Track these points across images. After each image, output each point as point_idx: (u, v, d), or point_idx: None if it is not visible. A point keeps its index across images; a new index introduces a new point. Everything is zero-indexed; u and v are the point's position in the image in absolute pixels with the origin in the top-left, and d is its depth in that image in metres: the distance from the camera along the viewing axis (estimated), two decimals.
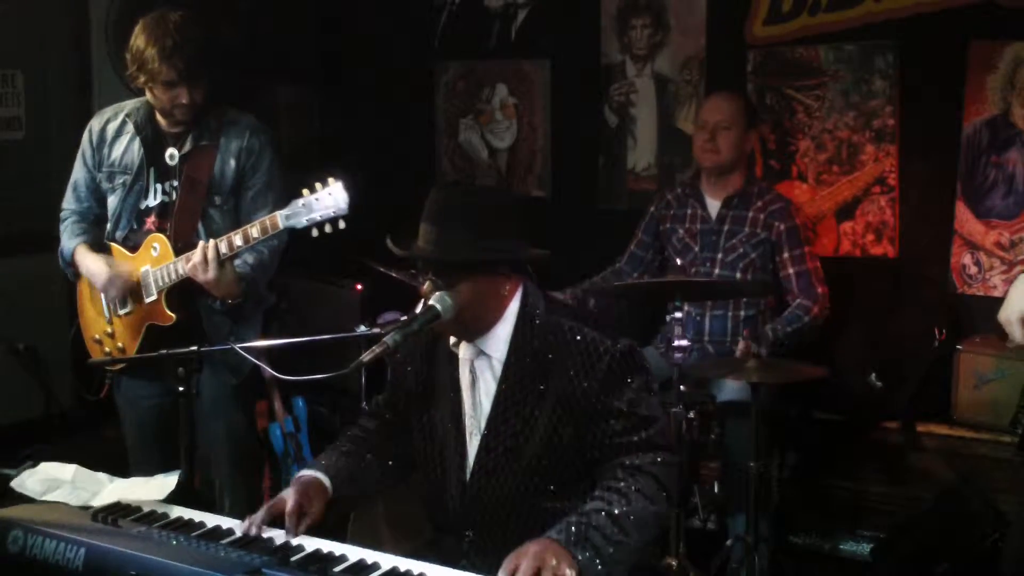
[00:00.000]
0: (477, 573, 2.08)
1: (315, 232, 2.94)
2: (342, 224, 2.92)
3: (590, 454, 2.29)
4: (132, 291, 3.23)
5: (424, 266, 2.34)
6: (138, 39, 3.12)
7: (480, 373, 2.38)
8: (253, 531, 2.21)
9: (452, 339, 2.41)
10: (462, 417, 2.39)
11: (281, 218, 2.96)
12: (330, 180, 2.91)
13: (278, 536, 2.21)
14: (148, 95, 3.21)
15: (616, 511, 2.15)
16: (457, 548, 2.38)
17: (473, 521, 2.36)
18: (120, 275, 3.21)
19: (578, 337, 2.30)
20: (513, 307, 2.36)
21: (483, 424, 2.36)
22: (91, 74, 4.77)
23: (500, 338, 2.35)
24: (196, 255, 3.03)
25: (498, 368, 2.35)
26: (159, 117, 3.27)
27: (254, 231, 3.01)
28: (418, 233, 2.35)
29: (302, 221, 2.93)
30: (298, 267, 4.26)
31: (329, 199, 2.90)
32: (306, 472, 2.41)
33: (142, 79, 3.14)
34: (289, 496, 2.28)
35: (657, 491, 2.22)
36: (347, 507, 2.49)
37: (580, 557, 2.06)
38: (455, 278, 2.28)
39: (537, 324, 2.34)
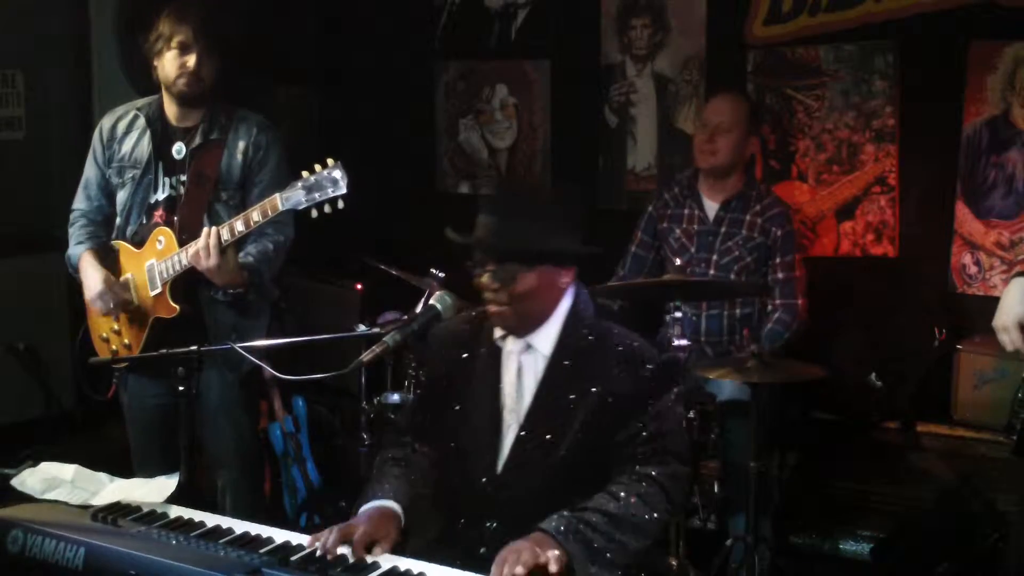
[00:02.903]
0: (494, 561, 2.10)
1: (315, 213, 2.97)
2: (341, 204, 2.94)
3: (613, 453, 2.34)
4: (122, 304, 3.24)
5: (484, 257, 2.37)
6: (163, 21, 3.23)
7: (526, 367, 2.42)
8: (319, 552, 2.13)
9: (498, 332, 2.45)
10: (501, 409, 2.42)
11: (281, 200, 2.98)
12: (329, 161, 2.96)
13: (278, 536, 2.21)
14: (159, 69, 3.26)
15: (612, 511, 2.19)
16: (478, 536, 2.39)
17: (498, 511, 2.39)
18: (111, 292, 3.21)
19: (625, 342, 2.39)
20: (564, 305, 2.43)
21: (522, 417, 2.39)
22: (91, 74, 4.77)
23: (549, 335, 2.41)
24: (198, 242, 3.05)
25: (542, 364, 2.40)
26: (168, 111, 3.32)
27: (255, 214, 3.04)
28: (476, 224, 2.40)
29: (302, 202, 2.96)
30: (298, 267, 4.26)
31: (329, 180, 2.93)
32: (374, 503, 2.34)
33: (158, 46, 3.22)
34: (359, 524, 2.23)
35: (659, 499, 2.27)
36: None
37: (569, 549, 2.10)
38: (516, 269, 2.33)
39: (586, 324, 2.42)
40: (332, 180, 2.93)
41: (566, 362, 2.38)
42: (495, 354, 2.46)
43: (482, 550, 2.35)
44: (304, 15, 5.54)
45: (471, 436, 2.44)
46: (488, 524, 2.39)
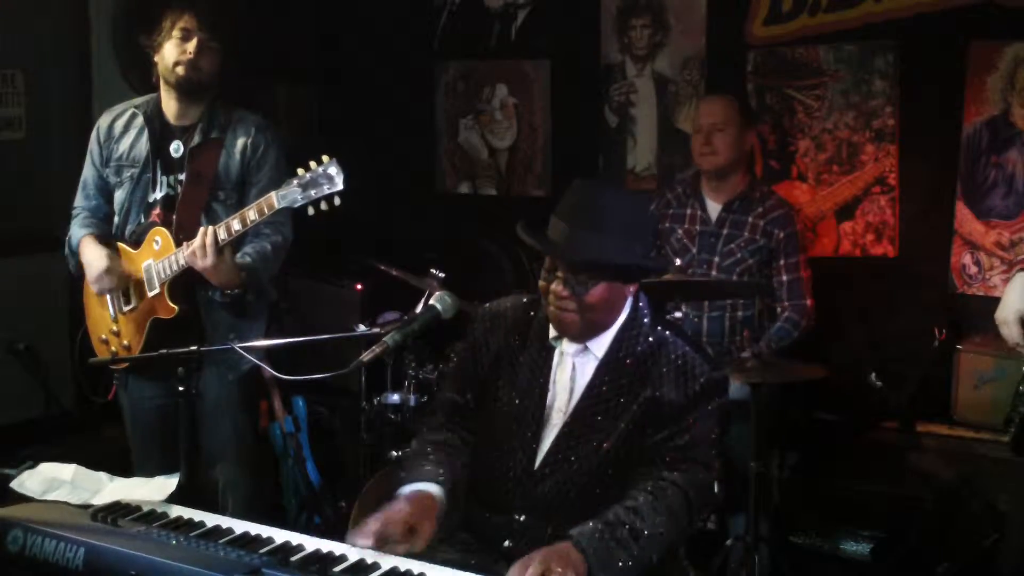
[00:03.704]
0: (519, 554, 2.10)
1: (311, 211, 2.95)
2: (338, 201, 2.93)
3: (644, 455, 2.34)
4: (127, 286, 3.23)
5: (560, 264, 2.33)
6: (167, 16, 3.25)
7: (579, 368, 2.42)
8: (360, 543, 2.12)
9: (554, 332, 2.44)
10: (547, 406, 2.42)
11: (277, 198, 2.97)
12: (324, 158, 2.94)
13: (278, 535, 2.20)
14: (160, 63, 3.26)
15: (639, 527, 2.19)
16: (505, 528, 2.39)
17: (529, 505, 2.38)
18: (114, 269, 3.21)
19: (680, 351, 2.38)
20: (625, 312, 2.42)
21: (568, 415, 2.39)
22: (91, 74, 4.78)
23: (607, 338, 2.41)
24: (195, 241, 3.04)
25: (593, 364, 2.40)
26: (166, 109, 3.31)
27: (251, 213, 3.02)
28: (549, 226, 2.36)
29: (298, 199, 2.94)
30: (298, 267, 4.26)
31: (324, 177, 2.92)
32: (416, 486, 2.32)
33: (159, 39, 3.23)
34: (401, 510, 2.22)
35: (684, 509, 2.27)
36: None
37: (591, 562, 2.10)
38: (589, 281, 2.31)
39: (643, 331, 2.41)
40: (328, 177, 2.91)
41: (618, 366, 2.38)
42: (549, 350, 2.45)
43: (507, 543, 2.35)
44: (304, 15, 5.55)
45: (512, 428, 2.42)
46: (517, 517, 2.38)
